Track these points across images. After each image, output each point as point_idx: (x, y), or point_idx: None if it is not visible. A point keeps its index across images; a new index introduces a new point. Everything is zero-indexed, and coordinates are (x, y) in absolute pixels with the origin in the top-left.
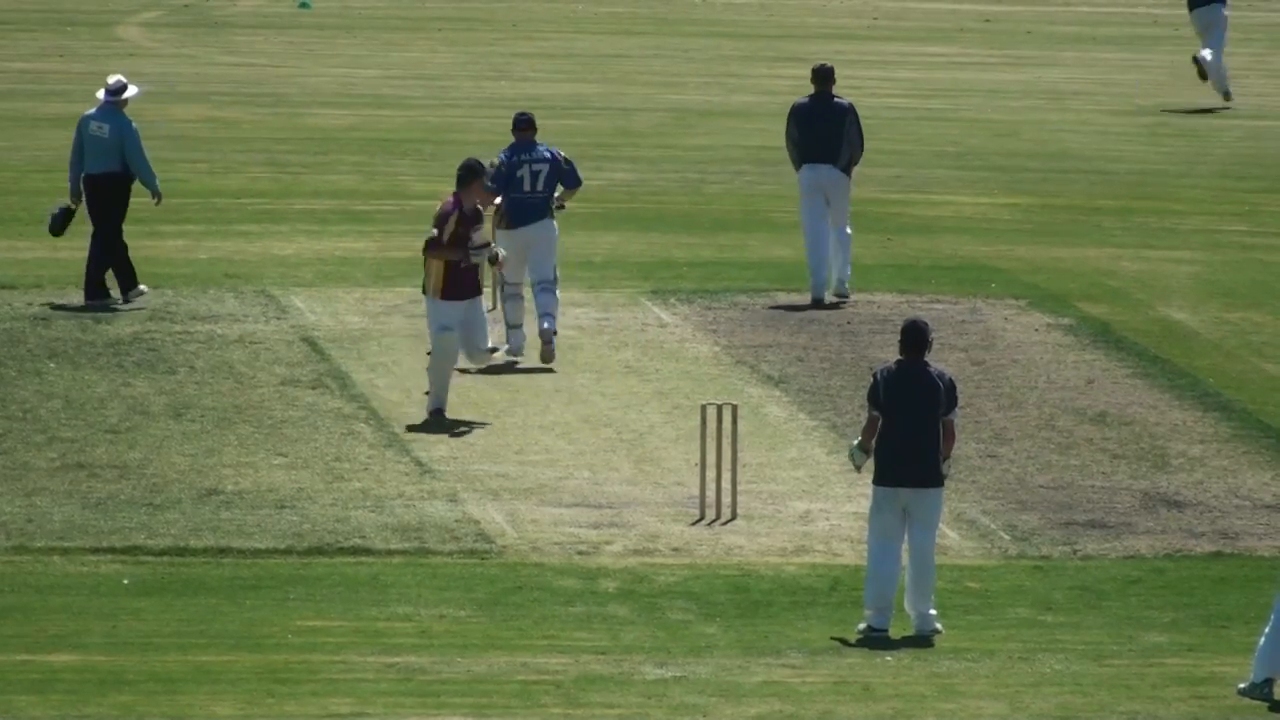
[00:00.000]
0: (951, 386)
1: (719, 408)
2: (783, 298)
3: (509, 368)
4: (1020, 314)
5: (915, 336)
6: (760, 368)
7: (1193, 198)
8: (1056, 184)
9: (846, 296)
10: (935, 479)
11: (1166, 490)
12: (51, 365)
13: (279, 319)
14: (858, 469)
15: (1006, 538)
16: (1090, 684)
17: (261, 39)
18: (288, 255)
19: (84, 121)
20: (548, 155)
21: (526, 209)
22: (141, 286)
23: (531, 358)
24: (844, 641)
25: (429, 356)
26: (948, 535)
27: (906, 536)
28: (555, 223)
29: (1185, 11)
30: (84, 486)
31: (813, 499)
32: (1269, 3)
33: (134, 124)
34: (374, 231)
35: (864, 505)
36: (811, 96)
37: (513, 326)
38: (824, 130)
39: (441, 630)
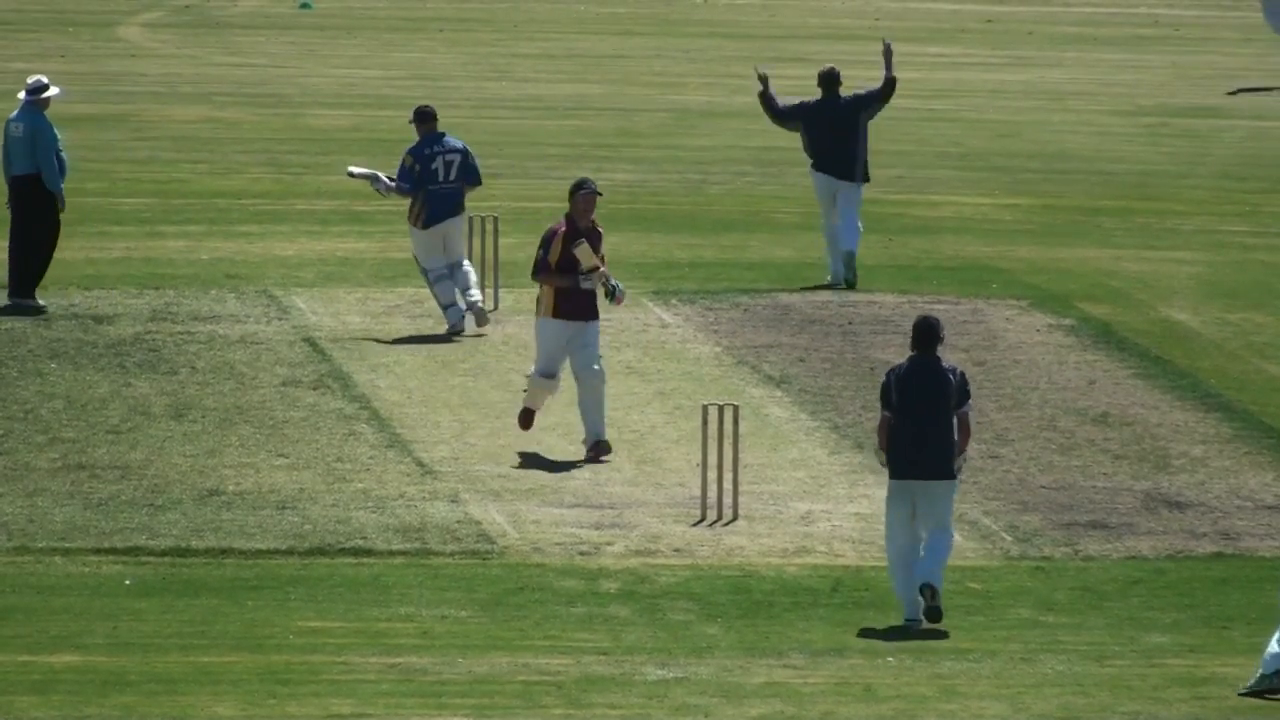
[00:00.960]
0: (963, 381)
1: (720, 408)
2: (784, 298)
3: (503, 367)
4: (1022, 314)
5: (926, 332)
6: (762, 368)
7: (1194, 198)
8: (1058, 184)
9: (854, 277)
10: (946, 472)
11: (1168, 491)
12: (53, 365)
13: (280, 319)
14: (884, 466)
15: (1008, 538)
16: (1092, 685)
17: (263, 39)
18: (289, 256)
19: (6, 124)
20: (458, 146)
21: (442, 200)
22: (41, 302)
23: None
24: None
25: (528, 378)
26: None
27: (920, 528)
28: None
29: (1185, 13)
30: (85, 487)
31: (814, 500)
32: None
33: (50, 125)
34: (375, 232)
35: (865, 506)
36: (819, 101)
37: (447, 305)
38: (835, 137)
39: (443, 631)
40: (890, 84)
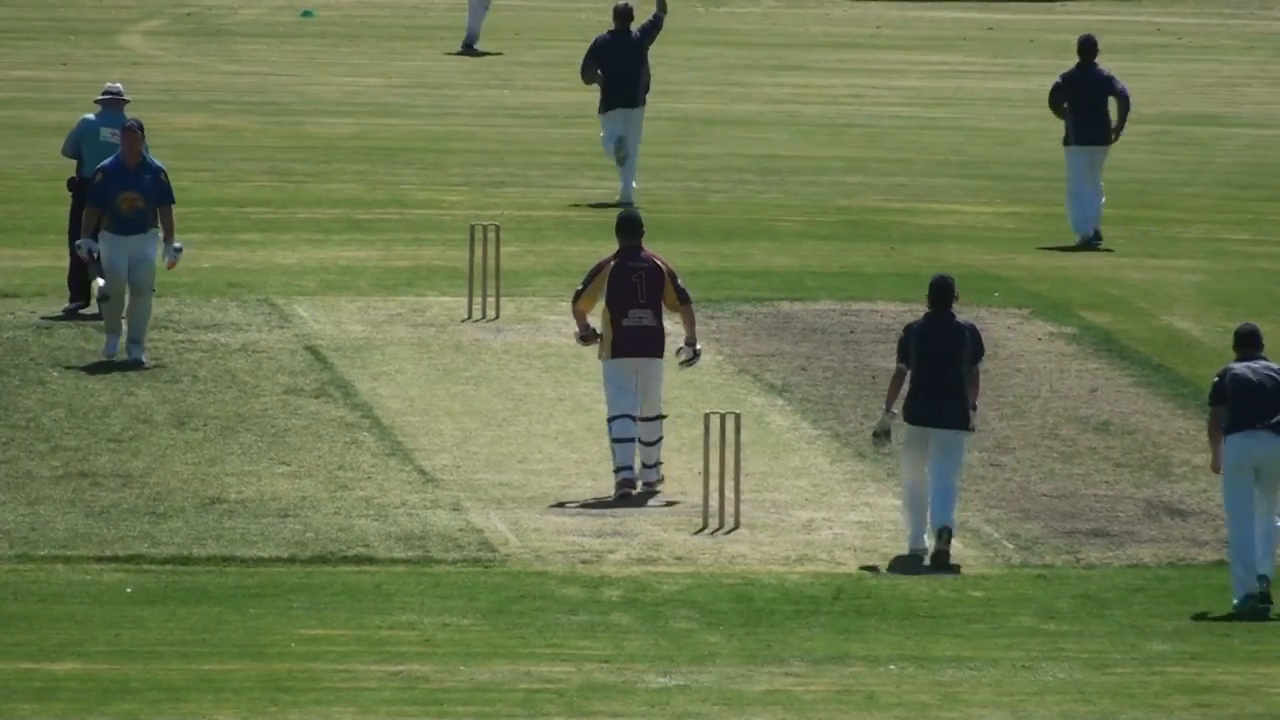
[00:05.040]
0: (976, 336)
1: (722, 416)
2: (786, 307)
3: (505, 375)
4: (1023, 323)
5: (943, 290)
6: (763, 376)
7: (1196, 206)
8: (1059, 192)
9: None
10: (963, 422)
11: (1169, 499)
12: (54, 374)
13: (282, 328)
14: (880, 439)
15: (1010, 546)
16: (1093, 692)
17: (264, 47)
18: (290, 264)
19: (91, 127)
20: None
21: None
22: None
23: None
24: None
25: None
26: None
27: (928, 470)
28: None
29: (1187, 20)
30: (87, 495)
31: (816, 508)
32: (1270, 11)
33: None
34: (377, 240)
35: (867, 514)
36: (613, 35)
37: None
38: (629, 68)
39: (445, 639)
40: (658, 19)
